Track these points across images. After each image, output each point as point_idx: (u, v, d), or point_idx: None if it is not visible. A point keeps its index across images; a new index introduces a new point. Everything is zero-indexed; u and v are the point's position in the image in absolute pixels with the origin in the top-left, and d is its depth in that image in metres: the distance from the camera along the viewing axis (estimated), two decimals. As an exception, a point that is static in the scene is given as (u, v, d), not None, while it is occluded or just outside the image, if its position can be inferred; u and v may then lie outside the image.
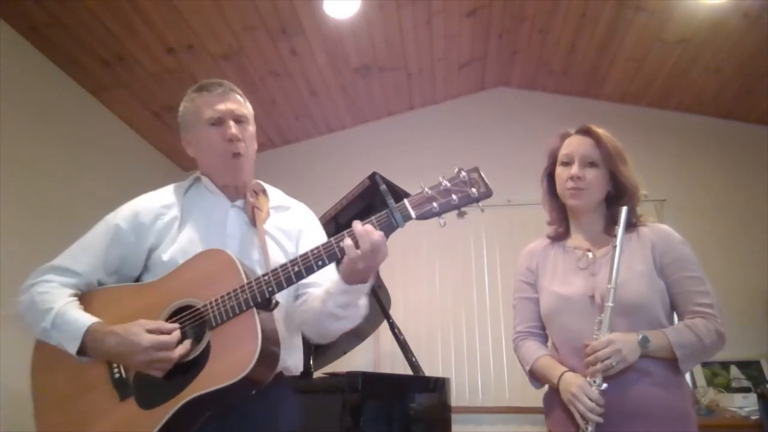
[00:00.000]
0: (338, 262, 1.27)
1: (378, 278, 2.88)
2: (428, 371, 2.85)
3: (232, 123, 1.41)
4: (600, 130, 1.62)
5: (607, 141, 1.59)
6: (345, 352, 3.09)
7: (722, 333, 1.45)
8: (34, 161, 2.95)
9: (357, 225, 1.20)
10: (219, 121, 1.41)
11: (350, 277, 1.25)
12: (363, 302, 1.35)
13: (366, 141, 4.45)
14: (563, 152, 1.64)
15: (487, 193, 1.19)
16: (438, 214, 1.18)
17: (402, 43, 3.63)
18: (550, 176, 1.70)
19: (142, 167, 3.85)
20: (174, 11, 2.95)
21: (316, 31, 3.32)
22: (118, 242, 1.39)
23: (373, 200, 2.41)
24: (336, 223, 2.54)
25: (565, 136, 1.67)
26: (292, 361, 1.42)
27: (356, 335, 3.07)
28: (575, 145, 1.62)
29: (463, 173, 1.20)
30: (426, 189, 1.19)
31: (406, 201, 1.19)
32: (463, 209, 1.19)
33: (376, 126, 4.51)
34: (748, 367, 3.49)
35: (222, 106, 1.42)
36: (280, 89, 3.81)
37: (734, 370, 3.48)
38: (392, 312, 2.95)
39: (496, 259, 4.05)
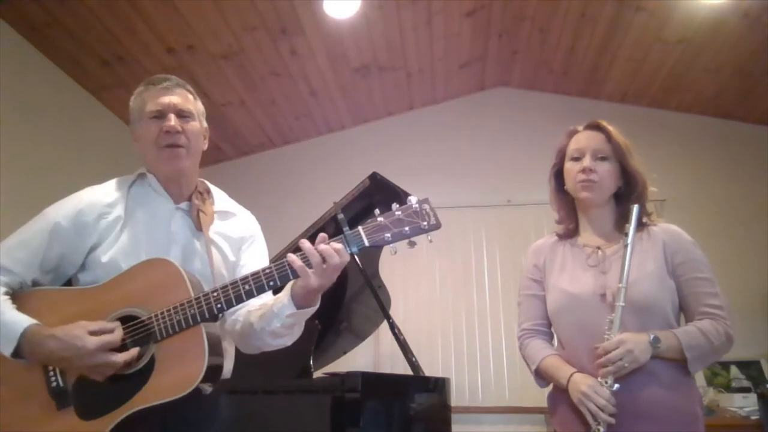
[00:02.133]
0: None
1: (378, 278, 2.88)
2: (428, 371, 2.84)
3: (172, 116, 1.37)
4: (610, 126, 1.62)
5: (617, 136, 1.60)
6: (345, 352, 3.08)
7: (731, 335, 1.45)
8: (34, 161, 2.95)
9: (304, 242, 1.21)
10: (160, 114, 1.38)
11: (301, 299, 1.25)
12: (303, 322, 1.34)
13: (366, 141, 4.44)
14: (573, 147, 1.63)
15: (436, 226, 1.23)
16: (390, 242, 1.21)
17: (402, 43, 3.63)
18: (558, 174, 1.69)
19: (142, 167, 3.85)
20: (174, 11, 2.95)
21: (316, 31, 3.31)
22: (58, 240, 1.33)
23: (373, 200, 2.41)
24: (336, 223, 2.54)
25: (573, 133, 1.67)
26: (228, 365, 1.40)
27: (356, 335, 3.07)
28: (586, 139, 1.62)
29: (416, 205, 1.23)
30: (379, 218, 1.21)
31: (360, 228, 1.21)
32: (412, 240, 1.22)
33: (376, 126, 4.51)
34: (748, 367, 3.49)
35: (165, 99, 1.39)
36: (280, 89, 3.81)
37: (734, 370, 3.48)
38: (392, 312, 2.94)
39: (496, 259, 4.04)
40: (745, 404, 3.17)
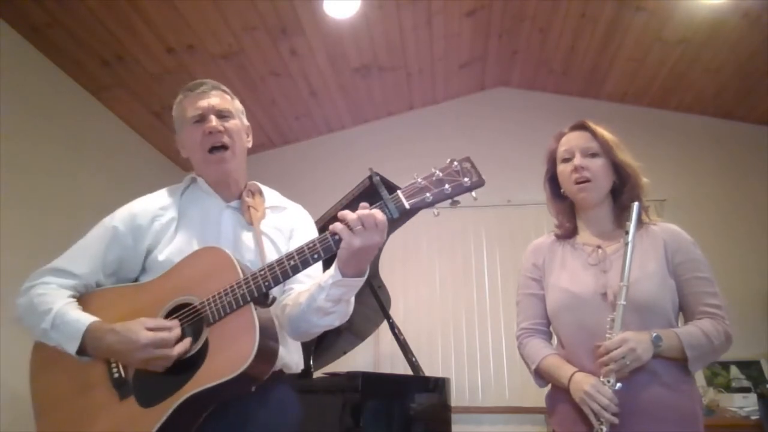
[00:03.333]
0: (331, 260, 1.26)
1: (378, 278, 2.88)
2: (428, 371, 2.84)
3: (213, 117, 1.43)
4: (593, 124, 1.64)
5: (603, 132, 1.62)
6: (345, 352, 3.09)
7: (730, 335, 1.46)
8: (34, 161, 2.95)
9: (343, 212, 1.20)
10: (201, 118, 1.43)
11: (347, 266, 1.22)
12: (352, 300, 1.34)
13: (366, 141, 4.44)
14: (562, 149, 1.64)
15: (480, 182, 1.19)
16: (431, 204, 1.18)
17: (402, 43, 3.63)
18: (552, 180, 1.69)
19: (142, 167, 3.85)
20: (174, 11, 2.95)
21: (316, 31, 3.31)
22: (115, 244, 1.40)
23: (373, 200, 2.41)
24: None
25: (560, 136, 1.68)
26: (291, 358, 1.41)
27: (356, 335, 3.07)
28: (573, 140, 1.63)
29: (455, 163, 1.20)
30: (419, 179, 1.19)
31: (399, 192, 1.19)
32: (456, 198, 1.19)
33: (376, 126, 4.51)
34: (748, 367, 3.49)
35: (204, 103, 1.44)
36: (280, 89, 3.81)
37: (734, 370, 3.48)
38: (392, 312, 2.95)
39: (496, 259, 4.04)
40: (745, 404, 3.17)
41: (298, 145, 4.56)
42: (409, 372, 2.73)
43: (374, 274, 2.84)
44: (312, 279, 1.40)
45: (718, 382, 3.45)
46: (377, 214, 1.17)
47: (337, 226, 1.18)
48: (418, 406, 2.45)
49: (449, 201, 1.18)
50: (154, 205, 1.44)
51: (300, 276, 1.36)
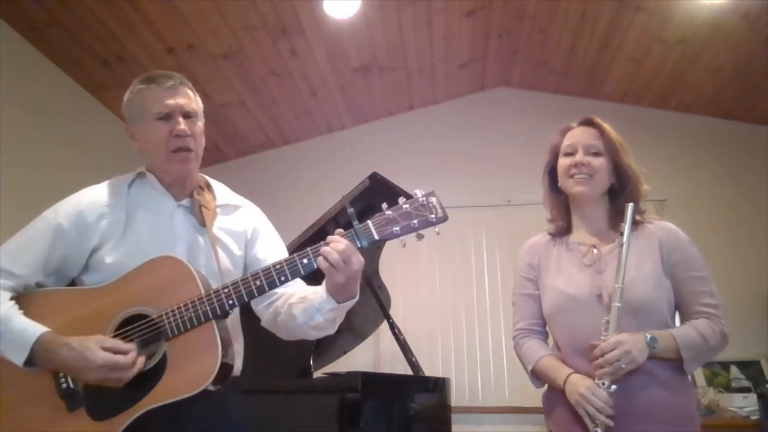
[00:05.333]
0: (314, 277, 1.28)
1: (378, 278, 2.88)
2: (428, 371, 2.84)
3: (180, 119, 1.36)
4: (602, 122, 1.62)
5: (610, 132, 1.60)
6: (345, 352, 3.09)
7: (726, 334, 1.45)
8: (34, 161, 2.95)
9: (324, 249, 1.22)
10: (167, 116, 1.36)
11: (339, 295, 1.26)
12: (344, 314, 1.36)
13: (366, 141, 4.44)
14: (566, 143, 1.62)
15: (443, 218, 1.24)
16: (398, 236, 1.22)
17: (402, 43, 3.63)
18: (552, 172, 1.68)
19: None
20: (174, 11, 2.95)
21: (316, 31, 3.31)
22: (60, 242, 1.32)
23: (373, 200, 2.41)
24: (336, 223, 2.54)
25: (566, 130, 1.66)
26: (237, 363, 1.39)
27: (356, 335, 3.07)
28: (578, 135, 1.61)
29: (422, 198, 1.23)
30: (387, 211, 1.22)
31: (369, 222, 1.22)
32: (420, 232, 1.23)
33: (376, 126, 4.51)
34: (748, 367, 3.49)
35: (171, 101, 1.36)
36: (280, 89, 3.81)
37: (734, 370, 3.48)
38: (392, 312, 2.95)
39: (496, 259, 4.04)
40: (745, 404, 3.17)
41: (298, 145, 4.55)
42: (409, 372, 2.73)
43: (374, 274, 2.84)
44: (295, 282, 1.38)
45: (718, 382, 3.45)
46: (350, 251, 1.20)
47: (321, 263, 1.20)
48: (418, 406, 2.45)
49: (415, 234, 1.23)
50: (101, 201, 1.36)
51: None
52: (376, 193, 2.35)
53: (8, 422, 1.23)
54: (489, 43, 3.87)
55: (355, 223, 1.23)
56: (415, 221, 1.22)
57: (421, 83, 4.17)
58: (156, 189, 1.41)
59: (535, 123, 4.12)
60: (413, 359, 2.76)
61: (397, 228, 1.21)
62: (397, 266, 3.83)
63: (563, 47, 3.80)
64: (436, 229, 1.24)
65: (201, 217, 1.40)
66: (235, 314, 1.42)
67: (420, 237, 1.24)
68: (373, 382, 2.25)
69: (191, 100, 1.41)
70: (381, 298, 2.82)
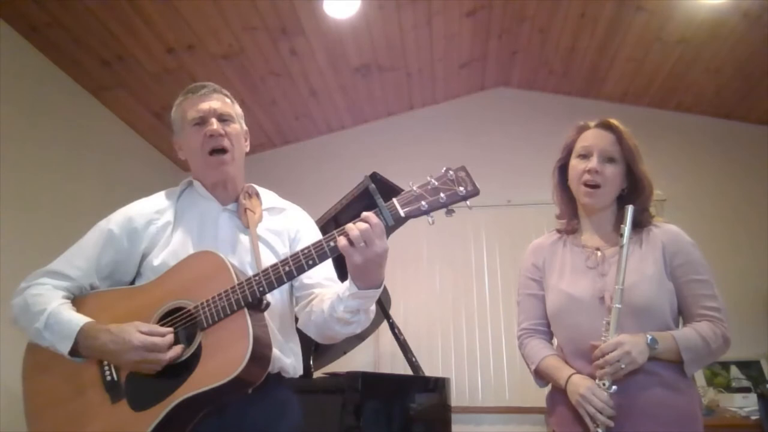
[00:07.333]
0: (341, 266, 1.26)
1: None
2: (428, 371, 2.84)
3: (214, 120, 1.43)
4: (621, 126, 1.60)
5: (628, 138, 1.58)
6: (345, 352, 3.09)
7: (728, 338, 1.45)
8: (34, 161, 2.95)
9: (348, 225, 1.20)
10: (202, 120, 1.43)
11: (359, 279, 1.24)
12: (372, 308, 1.35)
13: (366, 141, 4.44)
14: (581, 144, 1.60)
15: (474, 192, 1.19)
16: (426, 212, 1.18)
17: (402, 43, 3.63)
18: (562, 168, 1.67)
19: (142, 167, 3.85)
20: (174, 11, 2.95)
21: (316, 31, 3.31)
22: (110, 247, 1.40)
23: (373, 200, 2.41)
24: (336, 223, 2.54)
25: (582, 129, 1.64)
26: (290, 362, 1.41)
27: (356, 335, 3.07)
28: (595, 138, 1.59)
29: (451, 172, 1.20)
30: (414, 188, 1.19)
31: (395, 200, 1.20)
32: (450, 207, 1.19)
33: (376, 126, 4.51)
34: (748, 367, 3.49)
35: (205, 106, 1.44)
36: (280, 89, 3.81)
37: (734, 370, 3.48)
38: (392, 312, 2.95)
39: (496, 259, 4.04)
40: (745, 404, 3.17)
41: (298, 145, 4.56)
42: (409, 372, 2.73)
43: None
44: (334, 282, 1.41)
45: (718, 382, 3.45)
46: (372, 218, 1.17)
47: (340, 241, 1.18)
48: (418, 406, 2.45)
49: (444, 209, 1.19)
50: (150, 209, 1.45)
51: (322, 280, 1.41)
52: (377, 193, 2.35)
53: (56, 414, 1.29)
54: (489, 43, 3.87)
55: (379, 200, 1.19)
56: (443, 195, 1.18)
57: (421, 83, 4.17)
58: (201, 194, 1.48)
59: (535, 123, 4.13)
60: (413, 359, 2.76)
61: (425, 203, 1.17)
62: (398, 266, 3.83)
63: (563, 47, 3.80)
64: (468, 204, 1.19)
65: (245, 220, 1.44)
66: (287, 313, 1.45)
67: (449, 213, 1.19)
68: (373, 382, 2.25)
69: (225, 104, 1.48)
70: (381, 298, 2.82)
